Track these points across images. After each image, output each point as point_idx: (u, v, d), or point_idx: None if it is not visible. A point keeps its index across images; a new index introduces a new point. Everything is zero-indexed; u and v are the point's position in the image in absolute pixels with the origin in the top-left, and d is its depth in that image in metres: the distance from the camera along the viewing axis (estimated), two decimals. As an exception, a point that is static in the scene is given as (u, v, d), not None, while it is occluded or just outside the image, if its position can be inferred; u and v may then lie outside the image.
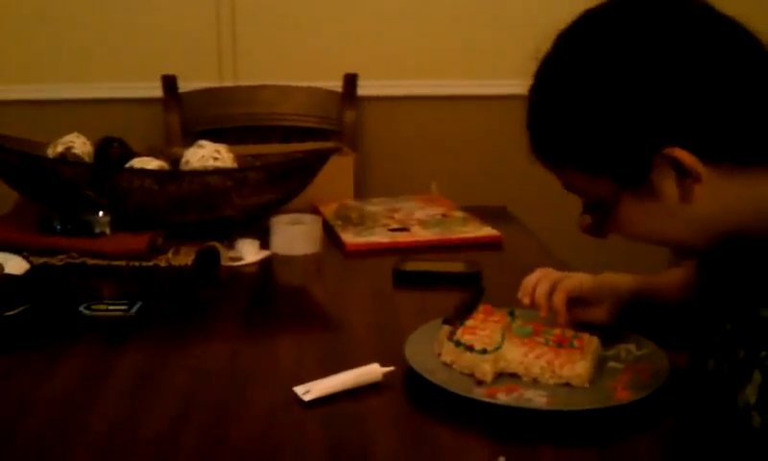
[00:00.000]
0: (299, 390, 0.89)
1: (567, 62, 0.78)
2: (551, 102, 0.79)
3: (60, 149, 1.50)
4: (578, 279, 1.01)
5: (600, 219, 0.82)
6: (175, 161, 1.53)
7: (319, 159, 1.53)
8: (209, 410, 0.88)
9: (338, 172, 1.78)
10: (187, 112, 2.27)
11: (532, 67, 0.81)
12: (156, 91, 2.27)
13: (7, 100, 2.29)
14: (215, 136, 1.67)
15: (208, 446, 0.81)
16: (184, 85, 2.29)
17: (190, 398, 0.91)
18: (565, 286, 0.99)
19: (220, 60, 2.37)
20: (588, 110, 0.76)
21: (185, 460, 0.79)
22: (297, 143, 2.09)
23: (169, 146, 2.15)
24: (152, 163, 1.46)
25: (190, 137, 2.22)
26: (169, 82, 2.27)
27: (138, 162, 1.45)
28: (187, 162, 1.50)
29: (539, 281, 1.02)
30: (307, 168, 1.52)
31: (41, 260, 1.35)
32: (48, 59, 2.35)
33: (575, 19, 0.80)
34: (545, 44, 0.80)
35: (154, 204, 1.41)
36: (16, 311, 1.13)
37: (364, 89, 2.37)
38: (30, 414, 0.87)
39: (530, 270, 1.07)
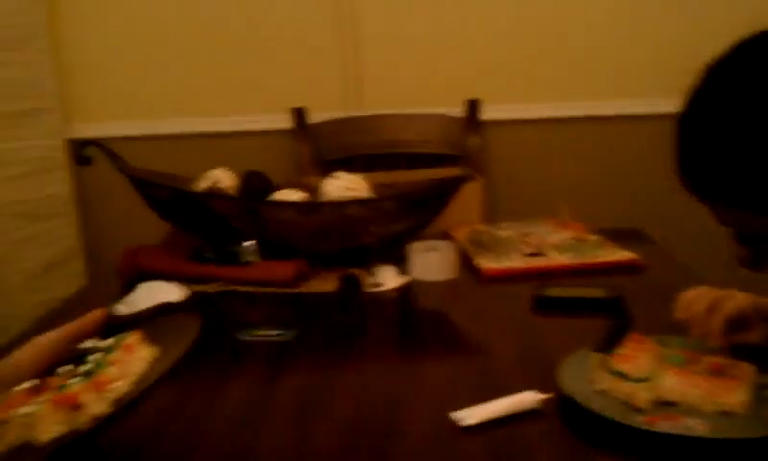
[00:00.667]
0: (456, 416, 0.91)
1: (727, 97, 0.76)
2: (709, 139, 0.77)
3: (208, 183, 1.59)
4: (736, 301, 0.99)
5: (761, 252, 0.80)
6: (314, 192, 1.60)
7: (452, 186, 1.56)
8: (374, 435, 0.92)
9: (466, 197, 1.81)
10: (316, 142, 2.35)
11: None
12: (287, 123, 2.36)
13: (151, 135, 2.43)
14: (343, 165, 1.73)
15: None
16: (313, 116, 2.37)
17: (354, 423, 0.95)
18: (724, 311, 0.98)
19: (345, 91, 2.44)
20: (751, 149, 0.73)
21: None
22: (426, 170, 2.13)
23: (300, 175, 2.24)
24: (293, 195, 1.53)
25: (319, 166, 2.31)
26: (298, 113, 2.35)
27: (281, 195, 1.52)
28: (325, 193, 1.56)
29: (696, 300, 1.01)
30: (442, 196, 1.55)
31: (196, 288, 1.43)
32: (185, 94, 2.49)
33: (729, 51, 0.78)
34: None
35: (297, 234, 1.48)
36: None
37: (486, 114, 2.40)
38: (201, 438, 0.92)
39: (674, 294, 1.06)
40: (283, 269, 1.44)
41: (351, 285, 1.43)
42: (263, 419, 0.96)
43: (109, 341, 0.86)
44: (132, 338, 0.86)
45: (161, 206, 1.56)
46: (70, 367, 0.83)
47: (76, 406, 0.75)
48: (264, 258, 1.51)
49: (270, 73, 2.45)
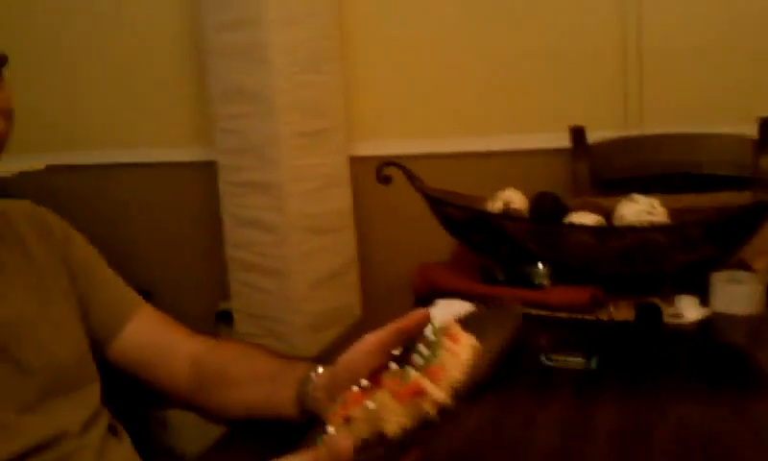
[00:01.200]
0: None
1: None
2: None
3: (500, 204, 1.61)
4: None
5: None
6: (607, 215, 1.57)
7: (761, 212, 1.47)
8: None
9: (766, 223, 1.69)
10: (595, 162, 2.31)
11: None
12: (563, 141, 2.34)
13: (427, 153, 2.51)
14: (622, 186, 1.68)
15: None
16: (591, 135, 2.33)
17: (681, 454, 0.92)
18: None
19: (626, 109, 2.38)
20: None
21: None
22: (718, 194, 2.01)
23: (577, 195, 2.21)
24: (589, 218, 1.51)
25: (597, 187, 2.26)
26: (577, 133, 2.33)
27: (576, 217, 1.51)
28: (622, 217, 1.53)
29: None
30: (750, 222, 1.46)
31: (489, 308, 1.46)
32: (462, 114, 2.55)
33: None
34: None
35: (593, 258, 1.45)
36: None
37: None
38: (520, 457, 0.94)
39: None
40: (579, 294, 1.43)
41: (651, 314, 1.38)
42: (581, 449, 0.96)
43: (431, 332, 0.86)
44: (455, 327, 0.86)
45: (455, 226, 1.60)
46: (394, 365, 0.85)
47: (419, 394, 0.77)
48: (556, 282, 1.51)
49: (548, 91, 2.44)
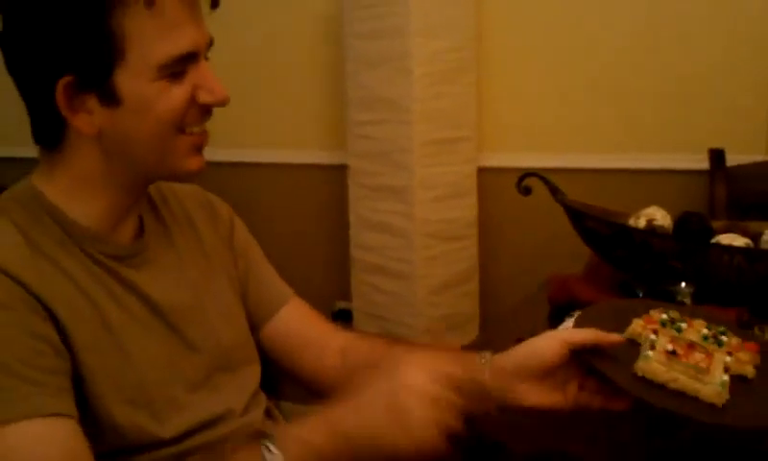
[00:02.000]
0: None
1: None
2: None
3: (643, 221, 1.61)
4: None
5: None
6: (754, 237, 1.55)
7: None
8: None
9: None
10: (733, 185, 2.26)
11: None
12: (703, 163, 2.31)
13: (554, 168, 2.51)
14: (760, 211, 1.65)
15: None
16: (731, 159, 2.29)
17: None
18: None
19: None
20: None
21: None
22: None
23: (713, 218, 2.17)
24: (738, 240, 1.49)
25: (734, 211, 2.22)
26: (716, 154, 2.29)
27: (726, 239, 1.49)
28: (770, 241, 1.51)
29: None
30: None
31: (628, 323, 1.46)
32: (595, 130, 2.54)
33: None
34: None
35: (740, 280, 1.44)
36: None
37: None
38: None
39: None
40: (725, 314, 1.41)
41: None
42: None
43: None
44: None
45: (598, 240, 1.60)
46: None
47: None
48: (697, 303, 1.49)
49: (689, 111, 2.41)
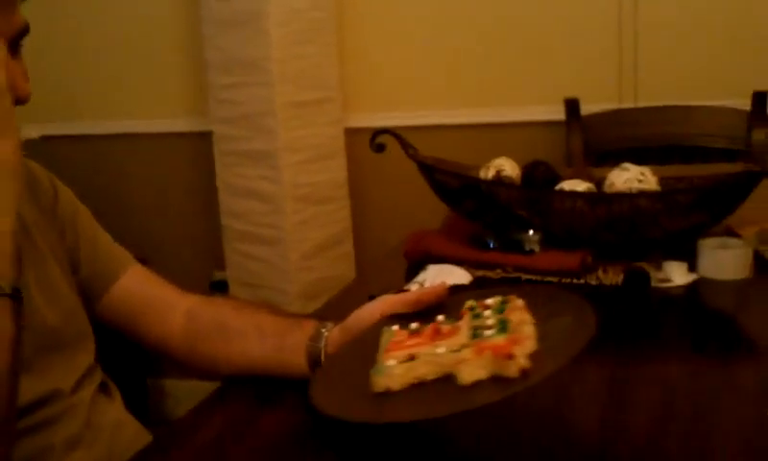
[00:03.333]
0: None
1: None
2: None
3: (492, 172, 1.62)
4: None
5: None
6: (598, 183, 1.58)
7: (750, 182, 1.48)
8: (684, 425, 0.91)
9: (754, 194, 1.71)
10: (589, 134, 2.32)
11: None
12: (559, 114, 2.36)
13: (419, 125, 2.52)
14: (615, 158, 1.70)
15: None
16: (586, 108, 2.35)
17: (662, 415, 0.94)
18: None
19: (621, 82, 2.39)
20: None
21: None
22: (709, 165, 2.04)
23: (571, 167, 2.22)
24: (580, 185, 1.52)
25: (591, 159, 2.28)
26: (571, 105, 2.34)
27: (568, 185, 1.52)
28: (612, 184, 1.54)
29: None
30: (738, 191, 1.48)
31: (479, 273, 1.48)
32: (457, 86, 2.56)
33: None
34: None
35: (583, 224, 1.47)
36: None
37: (775, 107, 2.24)
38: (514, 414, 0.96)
39: None
40: (569, 259, 1.45)
41: (639, 279, 1.40)
42: (568, 405, 0.98)
43: (493, 300, 0.90)
44: (520, 301, 0.89)
45: (448, 194, 1.61)
46: (441, 317, 0.89)
47: (508, 356, 0.77)
48: (546, 248, 1.52)
49: (543, 63, 2.45)
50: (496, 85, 2.52)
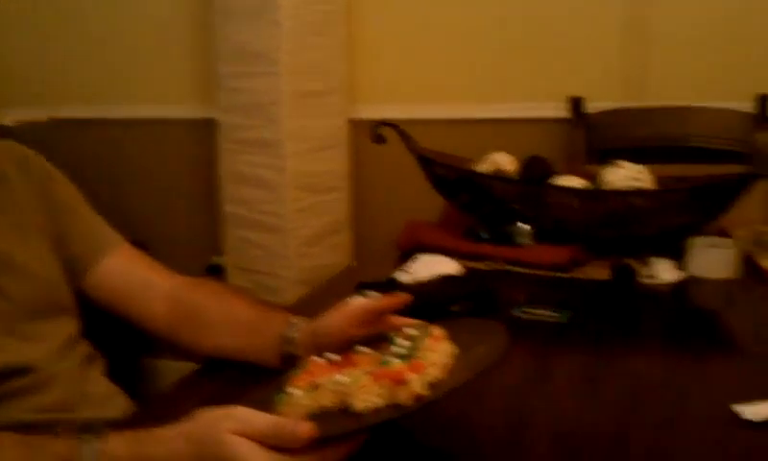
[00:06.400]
0: (739, 408, 0.90)
1: None
2: None
3: (489, 166, 1.64)
4: None
5: None
6: (593, 180, 1.60)
7: (743, 184, 1.49)
8: (650, 418, 0.92)
9: (748, 195, 1.72)
10: (592, 132, 2.33)
11: None
12: (563, 111, 2.36)
13: (428, 119, 2.53)
14: (618, 156, 1.70)
15: (654, 454, 0.85)
16: (590, 106, 2.35)
17: (630, 407, 0.95)
18: None
19: (626, 81, 2.39)
20: None
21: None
22: (710, 165, 2.04)
23: (573, 164, 2.23)
24: (575, 182, 1.54)
25: (593, 157, 2.28)
26: (576, 102, 2.35)
27: (564, 181, 1.54)
28: (608, 182, 1.55)
29: None
30: (730, 192, 1.49)
31: (470, 264, 1.49)
32: (464, 81, 2.57)
33: None
34: None
35: (575, 219, 1.49)
36: (458, 308, 1.26)
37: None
38: (476, 404, 0.97)
39: None
40: (558, 253, 1.46)
41: (625, 275, 1.41)
42: (539, 393, 0.99)
43: (414, 331, 0.88)
44: (438, 331, 0.87)
45: (445, 186, 1.63)
46: (367, 349, 0.86)
47: (400, 382, 0.77)
48: (538, 242, 1.54)
49: (548, 61, 2.45)
50: (503, 82, 2.52)
